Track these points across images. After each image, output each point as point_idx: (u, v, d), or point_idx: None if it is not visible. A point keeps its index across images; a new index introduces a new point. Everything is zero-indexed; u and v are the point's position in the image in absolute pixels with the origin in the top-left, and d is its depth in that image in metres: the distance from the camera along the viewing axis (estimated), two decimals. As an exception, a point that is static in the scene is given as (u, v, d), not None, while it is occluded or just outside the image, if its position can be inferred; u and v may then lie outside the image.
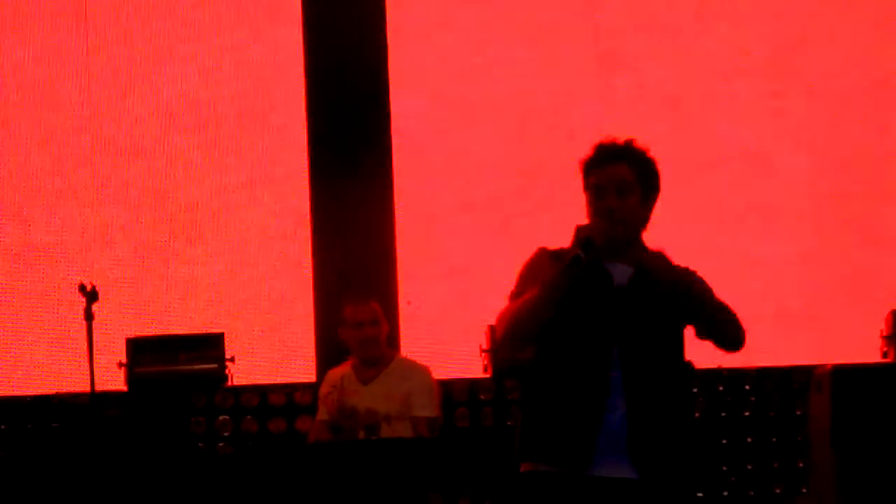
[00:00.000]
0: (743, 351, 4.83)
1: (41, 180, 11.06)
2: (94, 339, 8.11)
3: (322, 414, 7.94)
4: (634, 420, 4.74)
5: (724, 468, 9.80)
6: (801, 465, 9.83)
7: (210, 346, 9.68)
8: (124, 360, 9.42)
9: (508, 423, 9.31)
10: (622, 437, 4.72)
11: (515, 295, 4.88)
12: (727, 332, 4.79)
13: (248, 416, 9.73)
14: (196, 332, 10.09)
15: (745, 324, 4.72)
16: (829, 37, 11.48)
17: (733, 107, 11.03)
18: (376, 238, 10.70)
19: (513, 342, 5.18)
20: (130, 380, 9.51)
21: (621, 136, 4.78)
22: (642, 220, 4.78)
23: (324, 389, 8.10)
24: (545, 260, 4.94)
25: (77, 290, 8.18)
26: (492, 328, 9.37)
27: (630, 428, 4.72)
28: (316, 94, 11.03)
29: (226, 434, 9.75)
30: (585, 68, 11.02)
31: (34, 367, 10.51)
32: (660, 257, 4.89)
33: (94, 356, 7.99)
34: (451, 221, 10.85)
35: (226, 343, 9.93)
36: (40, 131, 11.14)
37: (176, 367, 9.71)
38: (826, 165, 11.23)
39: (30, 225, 11.00)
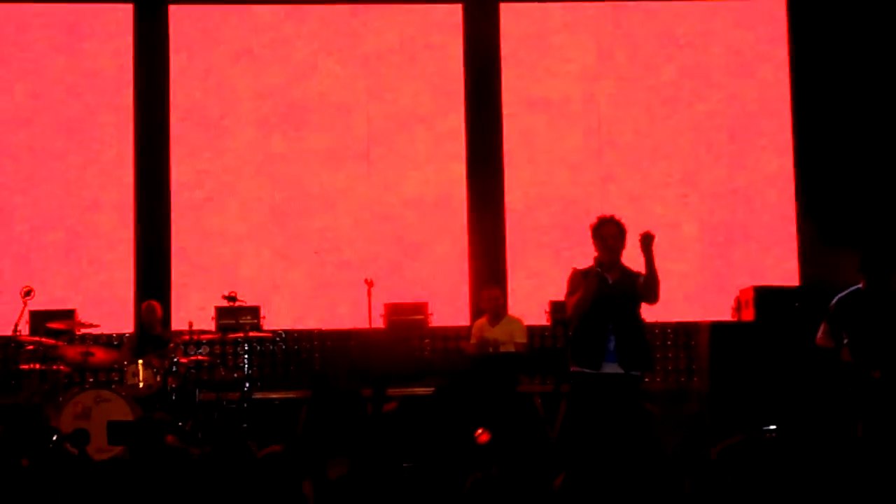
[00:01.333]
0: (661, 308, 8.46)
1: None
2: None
3: (472, 340, 11.38)
4: (619, 347, 8.19)
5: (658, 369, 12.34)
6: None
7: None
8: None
9: (558, 345, 12.27)
10: (613, 355, 8.17)
11: (569, 293, 8.43)
12: (653, 296, 8.30)
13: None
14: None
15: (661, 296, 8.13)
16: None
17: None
18: (497, 247, 13.05)
19: (574, 313, 8.39)
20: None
21: (608, 213, 8.32)
22: (620, 251, 8.26)
23: (473, 331, 11.46)
24: (579, 274, 8.40)
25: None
26: (552, 303, 12.30)
27: (617, 351, 8.13)
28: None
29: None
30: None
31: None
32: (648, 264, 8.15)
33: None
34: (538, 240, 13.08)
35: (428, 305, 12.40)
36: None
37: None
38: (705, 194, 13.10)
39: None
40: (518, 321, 11.60)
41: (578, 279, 8.42)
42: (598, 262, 8.28)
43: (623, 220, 8.38)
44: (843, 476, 7.36)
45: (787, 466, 7.21)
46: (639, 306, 8.50)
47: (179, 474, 4.58)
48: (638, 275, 8.44)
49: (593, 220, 8.40)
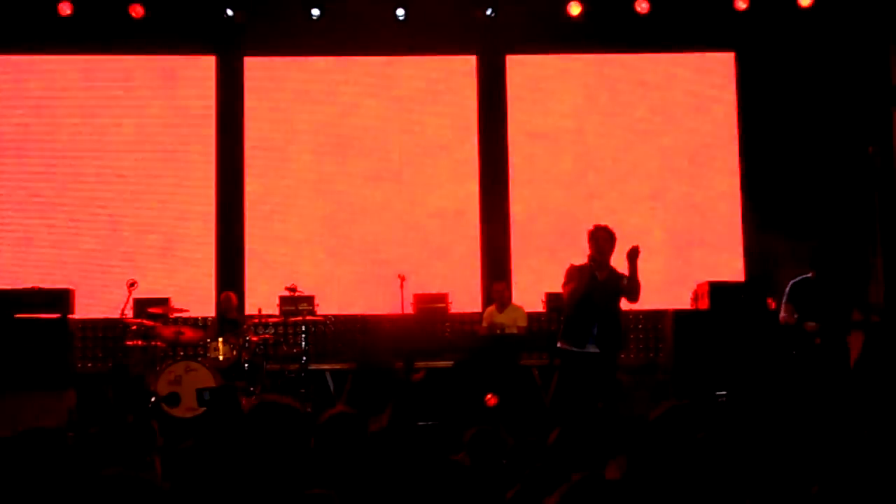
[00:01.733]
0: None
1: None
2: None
3: (483, 324, 11.56)
4: (600, 333, 8.41)
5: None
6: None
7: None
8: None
9: (552, 328, 11.30)
10: (595, 338, 8.38)
11: (566, 283, 8.54)
12: (635, 298, 8.56)
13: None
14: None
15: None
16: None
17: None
18: (503, 249, 12.98)
19: (569, 300, 8.53)
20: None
21: (603, 222, 8.64)
22: (610, 253, 8.43)
23: (484, 316, 11.63)
24: (574, 269, 8.53)
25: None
26: (548, 294, 11.87)
27: (598, 335, 8.45)
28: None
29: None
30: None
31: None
32: (631, 268, 8.29)
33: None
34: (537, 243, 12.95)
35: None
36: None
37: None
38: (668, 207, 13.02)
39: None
40: (520, 309, 11.74)
41: (574, 273, 8.51)
42: (592, 260, 8.40)
43: (613, 229, 8.55)
44: (784, 434, 7.34)
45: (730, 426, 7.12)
46: (619, 300, 8.62)
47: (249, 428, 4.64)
48: (622, 276, 8.53)
49: (589, 226, 8.57)
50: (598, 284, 8.44)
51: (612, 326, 8.54)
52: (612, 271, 8.57)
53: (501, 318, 11.57)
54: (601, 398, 8.34)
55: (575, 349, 8.53)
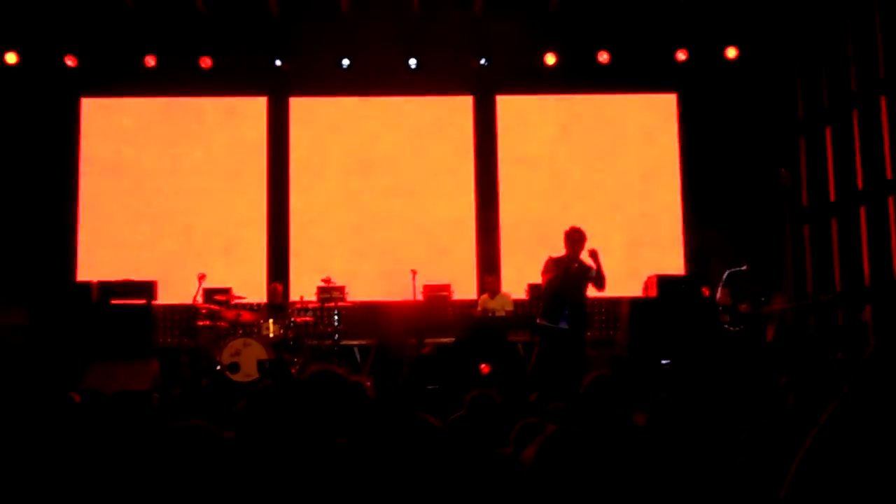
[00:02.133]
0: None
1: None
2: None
3: (478, 308, 11.54)
4: (570, 314, 8.80)
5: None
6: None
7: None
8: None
9: (533, 311, 11.00)
10: (566, 318, 8.81)
11: (545, 272, 8.95)
12: (602, 287, 8.97)
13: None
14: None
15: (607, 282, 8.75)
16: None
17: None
18: (494, 250, 12.97)
19: (548, 287, 8.93)
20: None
21: (577, 225, 8.90)
22: (580, 250, 8.74)
23: (479, 303, 11.63)
24: (552, 261, 8.95)
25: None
26: (530, 285, 11.86)
27: (568, 316, 8.74)
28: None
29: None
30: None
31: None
32: (594, 259, 8.65)
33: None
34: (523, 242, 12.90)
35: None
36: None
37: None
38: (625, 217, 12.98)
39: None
40: (507, 296, 11.78)
41: (552, 264, 8.69)
42: (568, 256, 8.59)
43: (584, 230, 8.77)
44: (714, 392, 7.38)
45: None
46: (586, 288, 8.76)
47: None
48: (589, 268, 8.68)
49: (566, 228, 8.76)
50: (571, 274, 8.58)
51: (579, 308, 8.66)
52: (581, 264, 8.68)
53: (492, 304, 11.56)
54: (569, 365, 8.30)
55: (550, 325, 8.64)
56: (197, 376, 10.64)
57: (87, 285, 11.31)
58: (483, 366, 10.23)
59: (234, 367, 10.29)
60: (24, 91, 12.17)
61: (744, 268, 9.70)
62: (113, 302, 11.13)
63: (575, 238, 8.70)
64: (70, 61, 11.97)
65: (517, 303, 11.93)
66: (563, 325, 8.64)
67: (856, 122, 10.68)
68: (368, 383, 5.85)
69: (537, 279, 11.81)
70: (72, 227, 12.74)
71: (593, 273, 8.66)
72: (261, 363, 10.29)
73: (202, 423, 2.89)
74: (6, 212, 12.20)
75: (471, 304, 12.06)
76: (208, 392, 9.47)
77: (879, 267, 10.11)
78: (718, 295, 9.69)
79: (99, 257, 12.65)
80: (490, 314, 11.37)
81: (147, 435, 1.96)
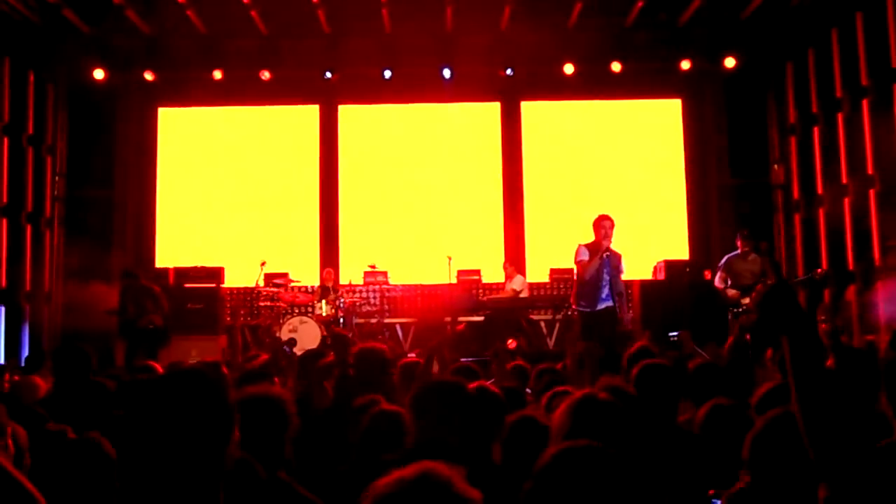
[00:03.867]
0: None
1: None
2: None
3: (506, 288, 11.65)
4: (609, 293, 8.10)
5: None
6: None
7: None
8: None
9: (554, 293, 12.10)
10: (607, 297, 8.16)
11: (578, 258, 8.07)
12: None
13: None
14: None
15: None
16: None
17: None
18: (520, 241, 12.95)
19: (585, 272, 8.06)
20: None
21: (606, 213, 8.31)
22: (611, 237, 7.98)
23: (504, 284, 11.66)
24: (583, 247, 8.06)
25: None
26: (552, 270, 12.15)
27: (606, 296, 8.11)
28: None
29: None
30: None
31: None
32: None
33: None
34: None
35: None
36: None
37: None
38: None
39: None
40: (522, 278, 11.78)
41: (584, 250, 8.17)
42: (604, 248, 8.02)
43: (612, 218, 8.17)
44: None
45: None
46: (620, 272, 8.28)
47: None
48: (620, 254, 8.27)
49: (594, 217, 8.22)
50: (604, 262, 8.15)
51: (616, 290, 8.22)
52: (612, 251, 8.22)
53: (511, 286, 11.61)
54: (609, 340, 7.75)
55: (590, 309, 8.17)
56: (259, 350, 10.91)
57: (164, 271, 11.66)
58: (510, 341, 10.26)
59: (292, 343, 10.28)
60: (109, 102, 12.49)
61: (739, 251, 9.67)
62: (186, 285, 11.35)
63: (607, 226, 8.14)
64: (149, 76, 12.25)
65: (540, 286, 12.18)
66: (604, 305, 8.15)
67: (841, 123, 10.79)
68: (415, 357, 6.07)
69: (558, 265, 12.28)
70: (150, 221, 13.04)
71: (621, 260, 8.32)
72: (323, 339, 10.42)
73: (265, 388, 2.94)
74: (93, 209, 12.50)
75: (499, 287, 12.13)
76: (272, 362, 9.71)
77: (861, 252, 10.24)
78: (716, 281, 9.63)
79: (174, 247, 12.92)
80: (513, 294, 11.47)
81: (219, 401, 1.90)
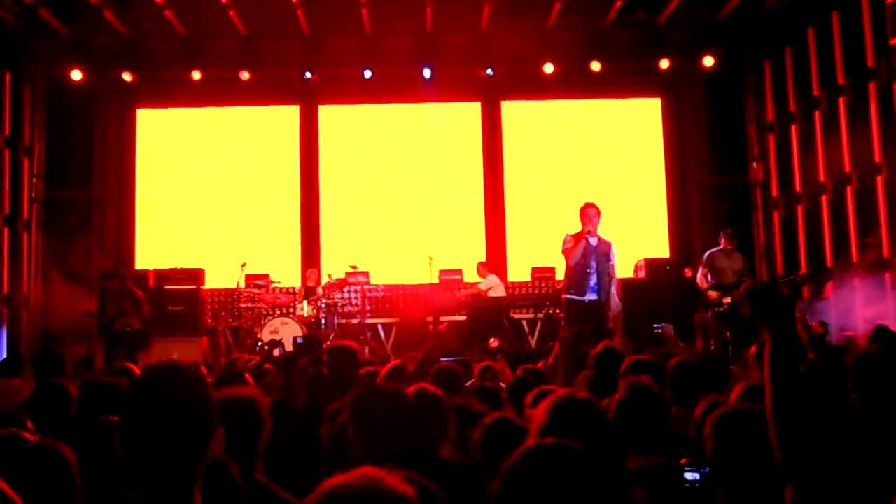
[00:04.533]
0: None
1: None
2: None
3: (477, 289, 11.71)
4: (597, 284, 8.03)
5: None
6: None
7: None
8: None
9: (535, 292, 12.11)
10: (594, 288, 8.08)
11: (565, 248, 8.05)
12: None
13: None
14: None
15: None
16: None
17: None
18: (500, 240, 12.94)
19: (571, 261, 8.01)
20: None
21: (591, 201, 8.27)
22: (597, 224, 8.07)
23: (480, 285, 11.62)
24: (570, 236, 8.05)
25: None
26: (533, 269, 12.17)
27: (595, 286, 8.06)
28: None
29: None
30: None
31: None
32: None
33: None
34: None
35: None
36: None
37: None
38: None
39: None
40: (494, 278, 11.72)
41: (570, 238, 8.14)
42: (587, 230, 8.01)
43: (597, 205, 8.12)
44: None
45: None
46: (609, 261, 8.21)
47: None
48: (610, 242, 8.20)
49: (580, 205, 8.20)
50: (592, 248, 8.11)
51: (603, 281, 8.15)
52: (601, 239, 8.19)
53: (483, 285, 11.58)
54: (598, 332, 7.73)
55: (578, 298, 8.11)
56: (240, 351, 10.80)
57: (144, 273, 11.54)
58: (492, 340, 10.29)
59: (274, 343, 10.30)
60: (87, 103, 12.40)
61: (721, 246, 9.66)
62: (166, 287, 11.27)
63: (592, 213, 8.11)
64: (127, 76, 12.17)
65: (521, 284, 12.19)
66: (592, 297, 8.10)
67: (818, 122, 10.86)
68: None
69: (540, 264, 12.27)
70: (130, 223, 12.95)
71: (614, 258, 8.28)
72: (296, 339, 10.37)
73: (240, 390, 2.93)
74: (71, 210, 12.41)
75: (468, 286, 12.05)
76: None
77: (839, 249, 10.34)
78: (698, 277, 9.59)
79: (154, 249, 12.83)
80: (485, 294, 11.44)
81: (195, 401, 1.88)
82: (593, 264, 8.06)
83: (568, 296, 8.20)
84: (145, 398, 1.86)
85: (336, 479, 1.57)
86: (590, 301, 8.07)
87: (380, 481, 1.57)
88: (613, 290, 8.43)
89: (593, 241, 8.12)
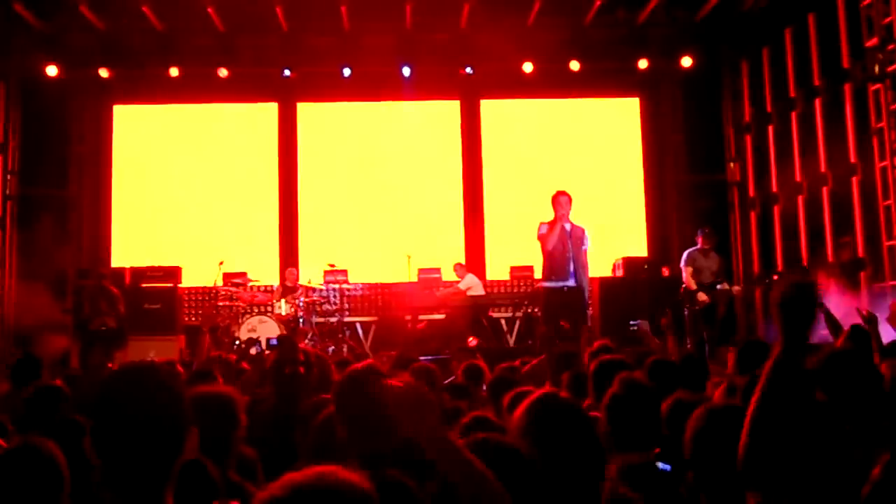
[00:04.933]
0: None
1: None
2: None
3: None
4: (573, 270, 8.15)
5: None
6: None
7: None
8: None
9: (516, 290, 12.02)
10: (572, 273, 8.25)
11: (539, 237, 8.16)
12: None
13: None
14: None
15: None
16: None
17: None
18: (479, 239, 12.93)
19: (546, 247, 8.10)
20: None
21: (563, 189, 8.37)
22: (569, 210, 8.18)
23: (460, 284, 11.64)
24: (544, 224, 8.15)
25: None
26: (512, 268, 12.14)
27: (573, 272, 8.10)
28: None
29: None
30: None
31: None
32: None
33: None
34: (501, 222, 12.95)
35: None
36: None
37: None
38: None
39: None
40: (473, 278, 11.74)
41: (544, 226, 8.24)
42: (559, 215, 8.11)
43: (568, 193, 8.23)
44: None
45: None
46: (584, 247, 8.31)
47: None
48: (583, 228, 8.29)
49: (552, 193, 8.27)
50: (567, 234, 8.17)
51: (581, 266, 8.23)
52: (574, 225, 8.28)
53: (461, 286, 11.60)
54: (576, 319, 7.93)
55: (557, 285, 8.17)
56: (219, 350, 10.80)
57: (121, 271, 11.48)
58: (471, 338, 10.27)
59: (252, 342, 10.04)
60: (63, 99, 12.29)
61: (699, 246, 9.72)
62: (143, 285, 11.24)
63: (564, 201, 8.25)
64: (104, 72, 12.09)
65: (500, 283, 12.20)
66: (571, 283, 8.16)
67: (794, 122, 10.95)
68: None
69: (519, 263, 12.25)
70: (106, 220, 12.86)
71: (588, 242, 8.35)
72: (276, 339, 10.34)
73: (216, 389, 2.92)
74: (46, 208, 12.28)
75: (448, 285, 12.03)
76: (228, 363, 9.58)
77: (815, 248, 10.43)
78: (684, 277, 9.58)
79: (131, 246, 12.76)
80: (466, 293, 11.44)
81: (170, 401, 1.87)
82: (570, 251, 8.13)
83: (547, 283, 8.22)
84: (117, 399, 1.84)
85: (291, 476, 1.54)
86: (568, 289, 8.11)
87: (335, 476, 1.54)
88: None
89: (567, 226, 8.20)
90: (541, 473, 2.08)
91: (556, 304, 8.15)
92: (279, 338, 9.78)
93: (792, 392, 1.96)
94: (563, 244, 8.17)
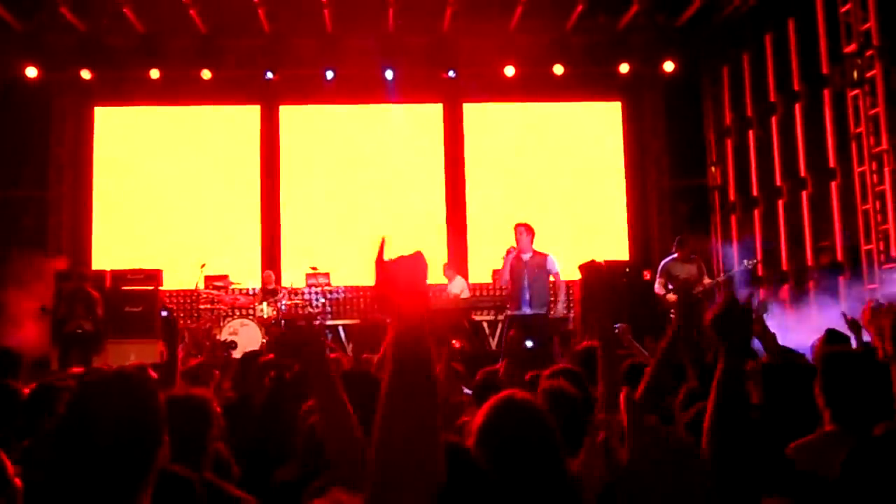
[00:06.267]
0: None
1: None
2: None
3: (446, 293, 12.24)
4: (531, 297, 8.46)
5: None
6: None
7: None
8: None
9: (496, 293, 11.70)
10: (529, 302, 8.49)
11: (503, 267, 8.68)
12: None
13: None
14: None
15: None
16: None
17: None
18: (460, 242, 13.01)
19: (506, 278, 8.61)
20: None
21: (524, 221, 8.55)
22: (530, 241, 8.37)
23: (448, 287, 11.71)
24: (509, 252, 8.60)
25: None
26: (494, 271, 11.04)
27: (529, 299, 8.37)
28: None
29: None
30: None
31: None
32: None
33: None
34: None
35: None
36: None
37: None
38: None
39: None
40: (464, 282, 11.75)
41: (508, 254, 8.43)
42: (509, 248, 8.36)
43: (528, 224, 8.44)
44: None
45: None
46: (546, 275, 8.44)
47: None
48: (546, 255, 8.40)
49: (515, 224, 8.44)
50: (524, 264, 8.30)
51: (540, 293, 8.36)
52: (535, 253, 8.39)
53: (452, 290, 11.57)
54: (535, 342, 8.04)
55: (515, 313, 8.39)
56: (198, 352, 10.76)
57: (101, 273, 11.40)
58: (454, 341, 10.35)
59: (231, 345, 10.23)
60: (43, 101, 12.27)
61: (675, 255, 9.79)
62: (124, 288, 11.17)
63: (519, 232, 8.49)
64: (86, 74, 12.07)
65: (482, 286, 12.16)
66: (526, 311, 8.35)
67: (775, 127, 11.05)
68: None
69: (501, 266, 12.18)
70: (87, 223, 12.82)
71: (550, 260, 8.49)
72: (266, 342, 10.32)
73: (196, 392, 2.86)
74: (26, 209, 12.26)
75: (442, 289, 11.96)
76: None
77: (795, 251, 10.53)
78: (656, 286, 9.76)
79: (111, 249, 12.73)
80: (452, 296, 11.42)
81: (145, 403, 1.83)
82: (525, 280, 8.31)
83: (508, 311, 8.60)
84: (87, 407, 1.78)
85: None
86: (524, 315, 8.30)
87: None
88: (562, 297, 8.76)
89: (525, 256, 8.36)
90: (496, 478, 2.11)
91: (513, 326, 8.19)
92: (278, 337, 9.77)
93: (738, 400, 2.07)
94: (516, 275, 8.37)
